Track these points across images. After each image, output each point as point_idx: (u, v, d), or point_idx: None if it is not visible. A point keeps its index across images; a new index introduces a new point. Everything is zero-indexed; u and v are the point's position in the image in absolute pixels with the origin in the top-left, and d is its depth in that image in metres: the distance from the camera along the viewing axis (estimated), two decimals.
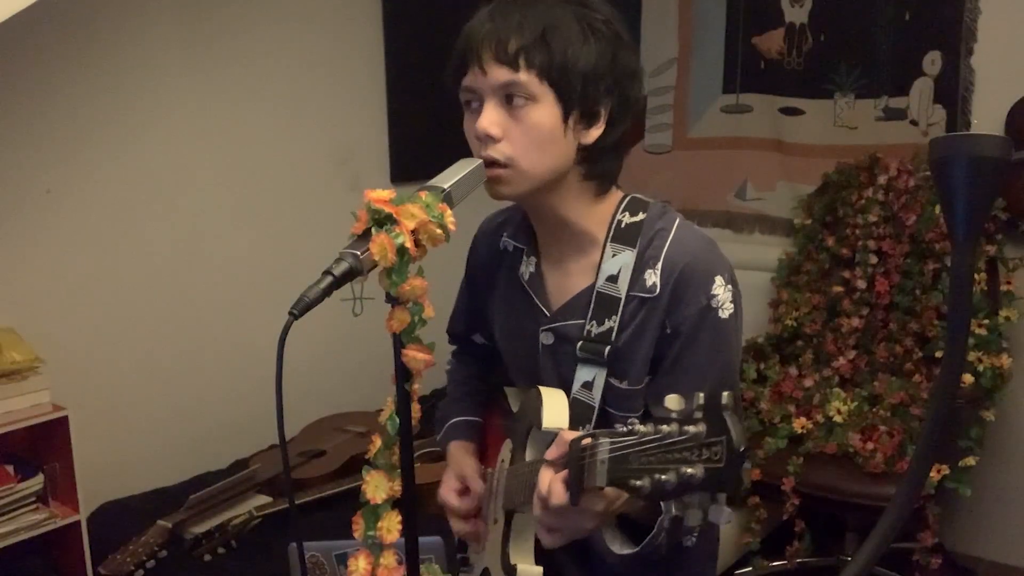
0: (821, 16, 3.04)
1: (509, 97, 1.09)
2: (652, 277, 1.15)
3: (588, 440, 0.90)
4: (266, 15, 2.81)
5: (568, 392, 1.19)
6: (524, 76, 1.08)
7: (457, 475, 1.36)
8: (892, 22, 2.88)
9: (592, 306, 1.17)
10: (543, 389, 1.19)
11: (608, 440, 0.85)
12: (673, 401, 0.82)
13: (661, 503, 0.94)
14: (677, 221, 1.19)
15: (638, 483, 0.80)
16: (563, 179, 1.15)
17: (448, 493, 1.36)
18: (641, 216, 1.18)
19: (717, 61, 3.31)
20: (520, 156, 1.10)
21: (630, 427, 0.84)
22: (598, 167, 1.17)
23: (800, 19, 3.08)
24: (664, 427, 0.80)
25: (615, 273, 1.16)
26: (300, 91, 2.92)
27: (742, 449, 0.74)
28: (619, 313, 1.15)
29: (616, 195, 1.22)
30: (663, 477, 0.78)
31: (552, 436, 1.16)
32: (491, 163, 1.11)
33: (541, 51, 1.07)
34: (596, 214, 1.19)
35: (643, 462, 0.81)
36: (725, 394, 0.77)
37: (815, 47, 3.06)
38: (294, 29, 2.89)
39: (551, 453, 1.00)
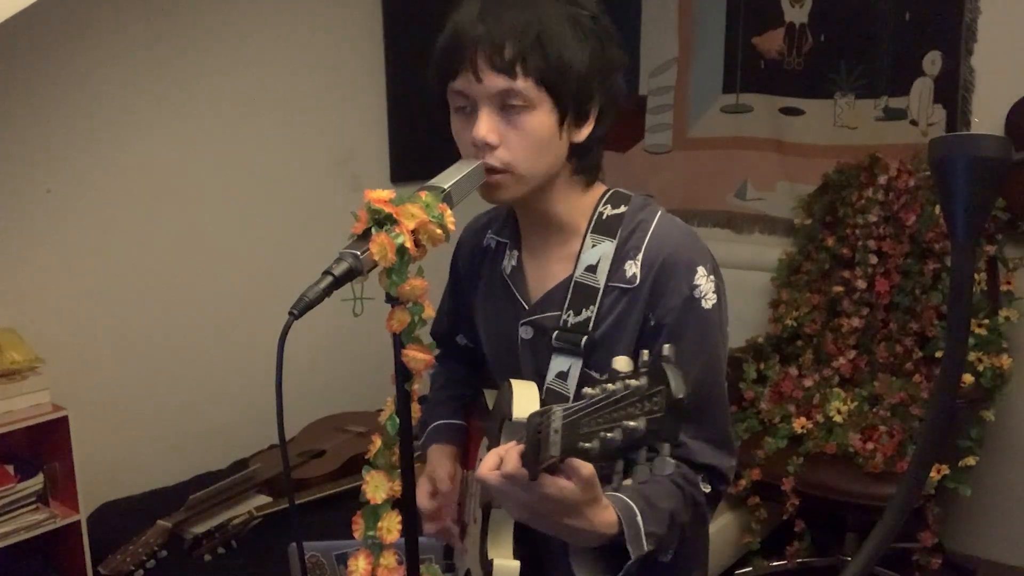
0: (821, 16, 3.04)
1: (505, 103, 1.08)
2: (632, 268, 1.14)
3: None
4: (267, 16, 2.81)
5: (542, 383, 1.18)
6: (522, 83, 1.06)
7: (428, 477, 1.34)
8: (892, 22, 2.88)
9: (569, 296, 1.17)
10: (514, 381, 1.17)
11: (560, 408, 0.86)
12: (621, 363, 0.83)
13: (626, 537, 0.98)
14: (659, 213, 1.18)
15: (587, 445, 0.81)
16: (555, 177, 1.15)
17: (420, 496, 1.33)
18: (623, 208, 1.18)
19: (717, 61, 3.31)
20: (518, 161, 1.10)
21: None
22: (586, 162, 1.18)
23: (800, 19, 3.08)
24: (610, 386, 0.81)
25: (594, 263, 1.16)
26: (300, 91, 2.92)
27: (680, 396, 0.75)
28: (597, 303, 1.15)
29: (599, 188, 1.22)
30: (609, 435, 0.78)
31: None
32: (489, 170, 1.10)
33: (538, 57, 1.06)
34: (581, 207, 1.20)
35: (593, 425, 0.81)
36: (666, 346, 0.78)
37: (815, 47, 3.06)
38: (295, 30, 2.89)
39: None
